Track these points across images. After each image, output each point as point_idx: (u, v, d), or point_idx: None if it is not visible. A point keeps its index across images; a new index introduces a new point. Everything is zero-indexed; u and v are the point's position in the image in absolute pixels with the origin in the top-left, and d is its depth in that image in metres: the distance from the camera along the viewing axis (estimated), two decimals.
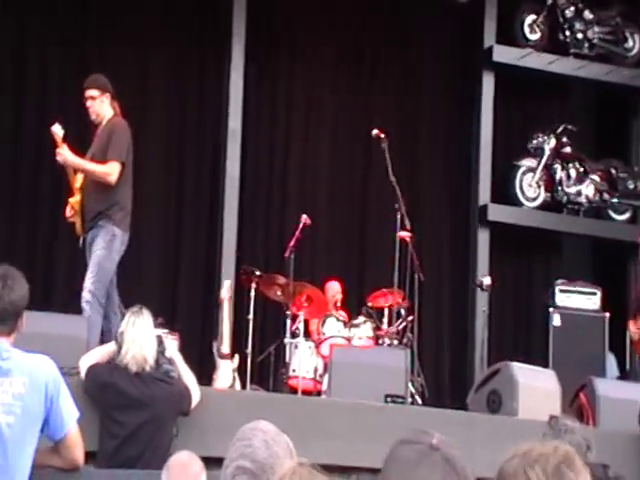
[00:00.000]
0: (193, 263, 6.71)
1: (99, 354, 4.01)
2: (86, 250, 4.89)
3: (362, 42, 7.17)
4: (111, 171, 4.79)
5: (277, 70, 7.01)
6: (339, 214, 7.07)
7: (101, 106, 4.91)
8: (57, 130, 4.79)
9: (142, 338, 3.88)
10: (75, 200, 4.91)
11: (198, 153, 6.78)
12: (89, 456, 3.12)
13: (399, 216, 5.57)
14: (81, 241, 4.94)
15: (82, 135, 6.22)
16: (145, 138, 6.60)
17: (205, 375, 5.04)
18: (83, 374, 3.94)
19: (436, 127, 7.34)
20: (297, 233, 5.95)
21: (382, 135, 5.62)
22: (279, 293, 5.96)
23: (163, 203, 6.66)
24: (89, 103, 4.94)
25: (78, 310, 4.70)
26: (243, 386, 5.44)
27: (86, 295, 4.69)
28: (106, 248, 4.76)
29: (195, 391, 4.06)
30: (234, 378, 5.41)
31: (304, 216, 5.99)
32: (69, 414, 2.87)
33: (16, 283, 2.80)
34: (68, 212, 4.97)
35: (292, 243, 5.92)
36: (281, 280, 5.92)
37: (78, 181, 4.90)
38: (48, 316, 4.44)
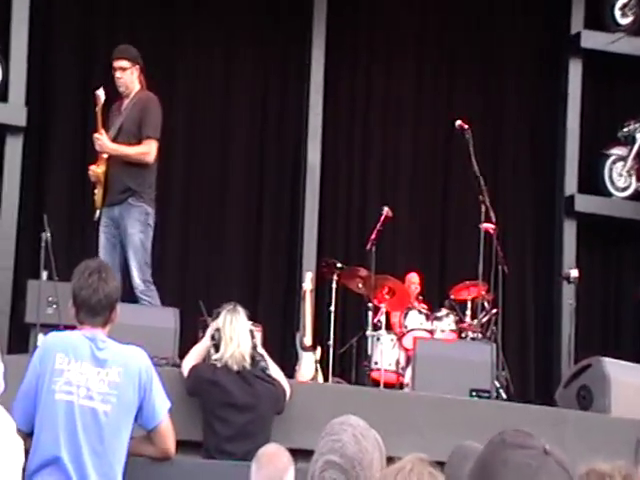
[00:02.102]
0: (274, 255, 6.76)
1: (198, 353, 4.06)
2: (103, 223, 4.74)
3: (443, 27, 7.07)
4: (149, 150, 4.70)
5: (357, 63, 6.97)
6: (420, 206, 7.00)
7: (131, 78, 4.78)
8: (100, 94, 4.73)
9: (239, 336, 3.92)
10: (101, 170, 4.76)
11: (279, 147, 6.81)
12: (179, 445, 3.18)
13: (483, 208, 5.47)
14: (97, 213, 4.81)
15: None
16: (227, 132, 6.70)
17: (287, 367, 5.08)
18: (185, 374, 3.97)
19: (520, 117, 7.19)
20: (378, 225, 5.92)
21: (465, 126, 5.53)
22: (361, 285, 5.95)
23: (244, 196, 6.73)
24: (119, 74, 4.77)
25: None
26: (325, 378, 5.45)
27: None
28: (144, 231, 4.69)
29: (287, 387, 4.10)
30: (316, 370, 5.43)
31: (385, 208, 5.96)
32: (161, 404, 2.94)
33: (109, 276, 2.88)
34: (91, 177, 4.79)
35: (373, 235, 5.90)
36: (363, 272, 5.90)
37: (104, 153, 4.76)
38: (138, 308, 4.55)
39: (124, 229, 4.70)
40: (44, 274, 4.87)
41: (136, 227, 4.67)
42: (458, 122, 5.59)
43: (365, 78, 7.00)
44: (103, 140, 4.71)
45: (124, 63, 4.80)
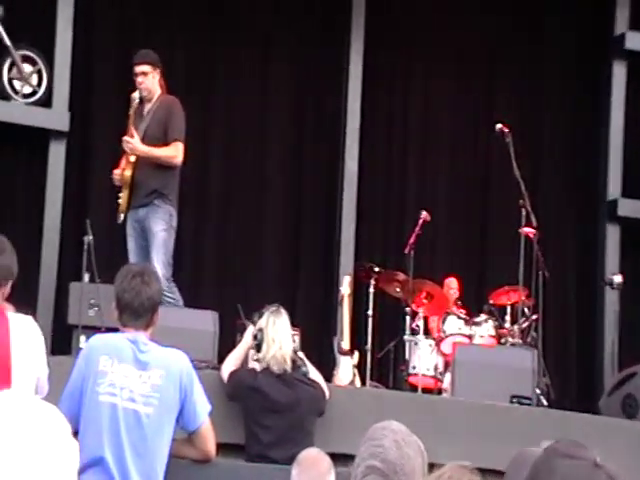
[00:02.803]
0: (312, 259, 6.76)
1: (237, 356, 4.07)
2: (130, 226, 4.78)
3: (482, 29, 7.01)
4: (177, 153, 4.74)
5: (396, 66, 6.96)
6: (459, 210, 6.95)
7: (153, 82, 4.80)
8: (135, 97, 4.79)
9: (282, 337, 3.92)
10: (128, 173, 4.78)
11: (317, 152, 6.81)
12: (220, 447, 3.20)
13: (524, 212, 5.41)
14: (122, 217, 4.84)
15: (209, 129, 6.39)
16: (265, 138, 6.72)
17: (325, 372, 5.07)
18: (225, 378, 3.98)
19: (561, 119, 7.10)
20: (417, 229, 5.89)
21: (506, 129, 5.48)
22: (398, 290, 5.92)
23: (281, 200, 6.74)
24: (140, 79, 4.79)
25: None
26: (363, 383, 5.42)
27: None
28: (167, 229, 4.71)
29: (326, 390, 4.10)
30: (354, 375, 5.40)
31: (424, 212, 5.92)
32: (202, 407, 2.95)
33: (152, 279, 2.91)
34: (116, 181, 4.81)
35: (412, 239, 5.86)
36: (400, 277, 5.87)
37: (133, 155, 4.81)
38: (177, 310, 4.58)
39: (149, 228, 4.74)
40: (86, 276, 4.93)
41: (160, 225, 4.71)
42: (498, 125, 5.54)
43: (403, 81, 6.97)
44: (134, 143, 4.75)
45: (145, 68, 4.82)
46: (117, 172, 4.87)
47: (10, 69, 5.71)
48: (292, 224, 6.75)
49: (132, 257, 4.83)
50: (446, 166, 7.01)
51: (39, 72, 5.80)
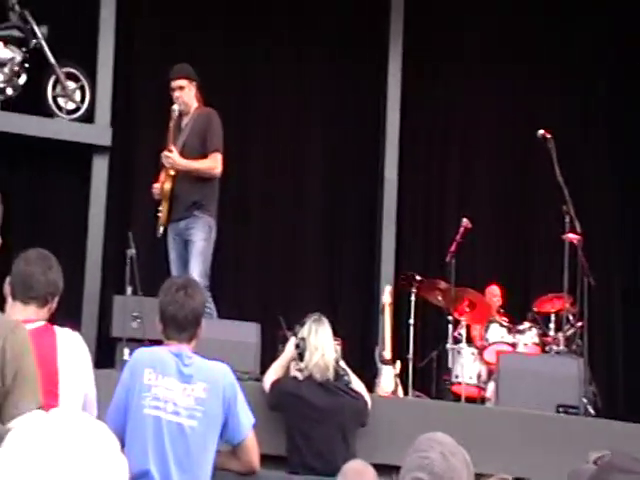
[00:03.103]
0: (353, 269, 6.74)
1: (279, 366, 4.07)
2: (170, 239, 4.79)
3: (522, 29, 6.93)
4: (216, 164, 4.75)
5: (435, 72, 6.92)
6: (501, 217, 6.87)
7: (189, 95, 4.82)
8: (175, 110, 4.81)
9: (324, 345, 3.91)
10: (168, 187, 4.80)
11: (356, 160, 6.80)
12: (263, 459, 3.19)
13: (567, 218, 5.32)
14: (161, 230, 4.85)
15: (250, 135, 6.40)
16: (303, 148, 6.72)
17: (367, 381, 5.04)
18: (267, 388, 3.98)
19: (604, 122, 6.98)
20: (458, 237, 5.84)
21: (548, 135, 5.40)
22: (440, 298, 5.87)
23: (322, 211, 6.73)
24: (177, 93, 4.81)
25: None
26: (405, 392, 5.38)
27: None
28: (206, 239, 4.71)
29: (369, 399, 4.07)
30: (396, 384, 5.36)
31: (465, 220, 5.86)
32: (246, 419, 2.95)
33: (195, 292, 2.92)
34: (156, 195, 4.81)
35: (453, 247, 5.81)
36: (442, 285, 5.82)
37: (172, 169, 4.80)
38: (220, 323, 4.59)
39: (188, 238, 4.76)
40: (129, 289, 4.98)
41: (199, 236, 4.73)
42: (540, 131, 5.46)
43: (443, 89, 6.93)
44: (174, 157, 4.78)
45: (182, 82, 4.84)
46: (156, 186, 4.90)
47: (54, 87, 5.82)
48: (332, 234, 6.74)
49: (174, 269, 4.86)
50: (487, 172, 6.93)
51: (82, 88, 5.90)
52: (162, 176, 4.92)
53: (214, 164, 4.79)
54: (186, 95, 4.85)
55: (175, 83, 4.89)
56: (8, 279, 2.62)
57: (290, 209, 6.64)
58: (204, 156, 4.84)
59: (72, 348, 2.60)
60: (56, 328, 2.64)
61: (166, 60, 6.21)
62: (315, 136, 6.75)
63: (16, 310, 2.55)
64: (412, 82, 6.73)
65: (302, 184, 6.70)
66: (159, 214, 4.90)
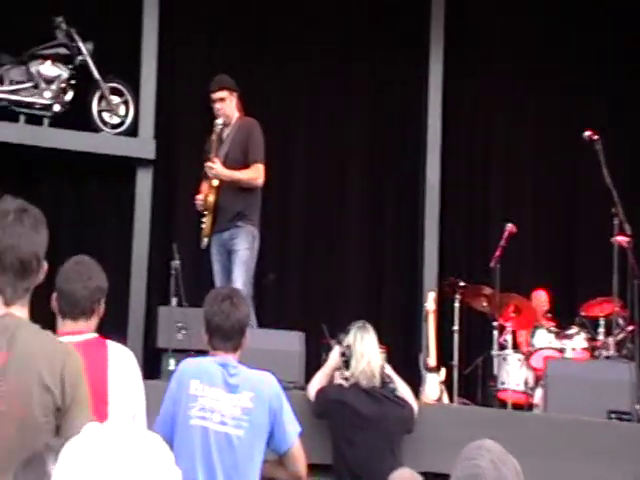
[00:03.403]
0: (396, 276, 6.70)
1: (324, 375, 4.06)
2: (214, 250, 4.77)
3: (564, 30, 6.83)
4: (258, 174, 4.75)
5: (476, 77, 6.85)
6: (546, 220, 6.77)
7: (230, 107, 4.80)
8: (219, 123, 4.81)
9: (369, 352, 3.89)
10: (212, 199, 4.79)
11: (398, 165, 6.76)
12: (310, 468, 3.17)
13: (616, 220, 5.21)
14: (206, 241, 4.83)
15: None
16: (346, 152, 6.70)
17: (411, 388, 5.00)
18: (312, 397, 3.98)
19: None
20: (502, 242, 5.76)
21: (595, 136, 5.29)
22: (485, 304, 5.80)
23: (364, 217, 6.71)
24: (219, 105, 4.79)
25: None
26: (451, 399, 5.33)
27: None
28: (250, 249, 4.71)
29: (415, 405, 4.03)
30: (441, 391, 5.31)
31: (509, 224, 5.79)
32: (292, 428, 2.94)
33: (240, 302, 2.92)
34: (199, 207, 4.81)
35: (498, 252, 5.74)
36: (487, 291, 5.75)
37: (215, 180, 4.81)
38: (264, 332, 4.60)
39: (232, 248, 4.76)
40: (174, 300, 5.02)
41: (243, 245, 4.73)
42: (587, 132, 5.36)
43: (485, 90, 6.86)
44: (217, 168, 4.79)
45: (223, 94, 4.83)
46: (200, 198, 4.92)
47: (100, 102, 5.91)
48: (374, 240, 6.71)
49: (218, 280, 4.87)
50: (531, 175, 6.84)
51: (126, 103, 5.98)
52: (205, 187, 4.95)
53: (256, 174, 4.80)
54: (227, 107, 4.85)
55: (216, 95, 4.89)
56: (54, 295, 2.64)
57: (331, 217, 6.63)
58: (246, 167, 4.85)
59: (124, 364, 2.58)
60: (108, 343, 2.64)
61: (207, 72, 6.27)
62: (356, 141, 6.73)
63: (67, 327, 2.58)
64: (453, 83, 6.67)
65: (343, 192, 6.69)
66: (203, 225, 4.91)
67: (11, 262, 1.79)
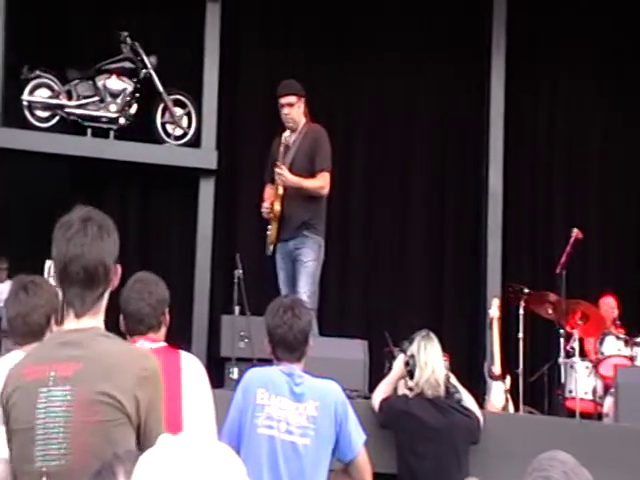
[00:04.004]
0: (458, 283, 6.62)
1: (388, 384, 4.03)
2: (279, 259, 4.72)
3: (629, 27, 6.65)
4: (325, 183, 4.69)
5: (538, 80, 6.73)
6: (613, 225, 6.60)
7: (298, 112, 4.71)
8: (287, 135, 4.76)
9: (434, 362, 3.85)
10: (277, 208, 4.72)
11: (460, 172, 6.68)
12: (374, 478, 3.14)
13: None
14: (271, 249, 4.78)
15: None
16: (406, 157, 6.65)
17: (476, 397, 4.91)
18: (376, 407, 3.95)
19: None
20: (568, 248, 5.63)
21: None
22: (551, 311, 5.67)
23: (426, 224, 6.65)
24: (286, 110, 4.70)
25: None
26: (517, 408, 5.22)
27: None
28: (316, 259, 4.66)
29: (480, 416, 3.96)
30: (507, 400, 5.21)
31: (575, 230, 5.65)
32: (357, 437, 2.92)
33: (302, 311, 2.92)
34: (265, 214, 4.75)
35: (563, 258, 5.61)
36: (552, 297, 5.63)
37: (281, 188, 4.73)
38: (328, 341, 4.58)
39: (297, 258, 4.72)
40: (237, 309, 5.05)
41: (310, 256, 4.69)
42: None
43: (547, 93, 6.73)
44: (286, 174, 4.74)
45: (291, 99, 4.76)
46: (266, 205, 4.86)
47: (163, 114, 6.01)
48: (436, 246, 6.64)
49: (283, 288, 4.82)
50: (595, 178, 6.67)
51: (189, 114, 6.08)
52: (269, 194, 4.88)
53: (323, 183, 4.74)
54: (295, 112, 4.74)
55: (284, 100, 4.77)
56: (121, 318, 2.68)
57: (393, 222, 6.58)
58: (312, 175, 4.79)
59: (195, 373, 2.60)
60: (180, 351, 2.65)
61: (268, 82, 6.31)
62: (417, 145, 6.67)
63: (137, 343, 2.61)
64: (516, 88, 6.55)
65: (406, 199, 6.63)
66: (268, 232, 4.86)
67: (77, 272, 1.78)
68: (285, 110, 4.78)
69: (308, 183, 4.76)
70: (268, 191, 4.91)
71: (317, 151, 4.75)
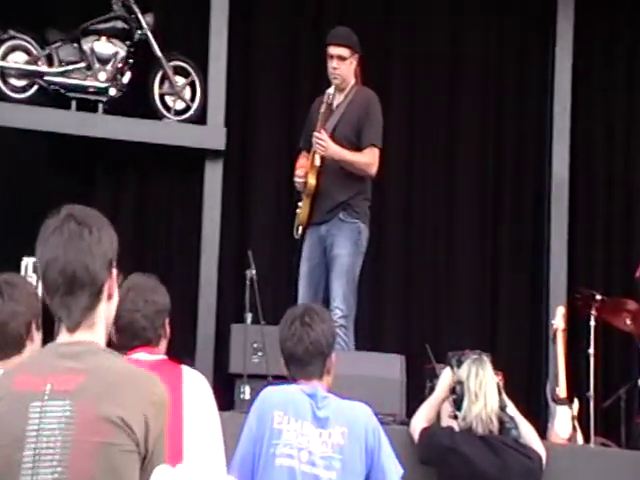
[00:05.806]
0: (514, 288, 6.57)
1: (430, 407, 3.99)
2: (307, 247, 4.58)
3: None
4: (374, 161, 4.50)
5: (608, 57, 6.67)
6: None
7: (349, 69, 4.57)
8: (330, 92, 4.61)
9: (487, 393, 3.80)
10: (312, 182, 4.54)
11: (517, 156, 6.63)
12: None
13: None
14: (300, 230, 4.66)
15: None
16: (453, 139, 6.60)
17: (535, 425, 4.88)
18: (416, 437, 3.93)
19: None
20: None
21: None
22: (629, 322, 5.64)
23: (476, 219, 6.60)
24: (336, 64, 4.54)
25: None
26: (586, 439, 5.20)
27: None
28: (354, 253, 4.49)
29: (542, 451, 3.92)
30: (574, 428, 5.20)
31: None
32: (392, 471, 2.91)
33: (315, 319, 2.88)
34: (298, 186, 4.58)
35: None
36: (631, 306, 5.61)
37: (318, 159, 4.58)
38: (357, 355, 4.57)
39: (330, 248, 4.56)
40: (249, 317, 5.03)
41: (345, 247, 4.52)
42: None
43: (616, 72, 6.67)
44: (327, 141, 4.52)
45: (344, 51, 4.59)
46: (300, 174, 4.66)
47: (161, 83, 5.98)
48: (490, 242, 6.59)
49: (302, 285, 4.71)
50: None
51: (192, 84, 6.02)
52: (303, 162, 4.68)
53: (372, 159, 4.53)
54: (345, 68, 4.55)
55: (335, 50, 4.58)
56: (111, 332, 2.68)
57: (439, 212, 6.52)
58: (357, 148, 4.59)
59: (200, 392, 2.58)
60: (183, 368, 2.62)
61: (284, 49, 6.27)
62: (468, 129, 6.60)
63: (136, 354, 2.60)
64: (583, 67, 6.52)
65: (452, 190, 6.56)
66: (298, 210, 4.69)
67: (54, 279, 1.75)
68: (334, 63, 4.60)
69: (353, 157, 4.54)
70: (303, 161, 4.71)
71: (367, 121, 4.54)
